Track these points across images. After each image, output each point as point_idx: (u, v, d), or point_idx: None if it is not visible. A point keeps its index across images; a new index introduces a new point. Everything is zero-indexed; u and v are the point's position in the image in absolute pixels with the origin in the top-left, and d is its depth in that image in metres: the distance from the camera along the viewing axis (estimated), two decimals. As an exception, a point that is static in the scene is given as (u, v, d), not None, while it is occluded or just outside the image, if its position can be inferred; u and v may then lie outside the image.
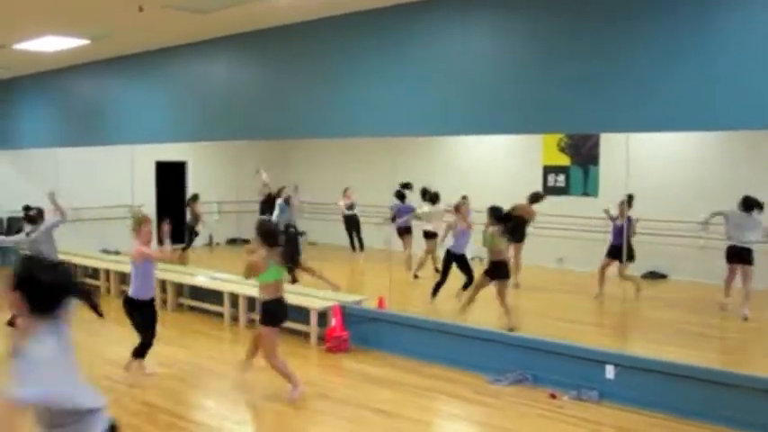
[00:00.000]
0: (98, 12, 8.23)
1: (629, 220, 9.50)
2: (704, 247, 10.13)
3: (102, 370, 7.42)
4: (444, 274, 9.81)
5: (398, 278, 10.40)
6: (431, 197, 11.35)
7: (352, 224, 13.12)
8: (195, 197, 13.67)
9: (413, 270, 11.42)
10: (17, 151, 14.51)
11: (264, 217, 11.19)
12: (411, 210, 11.67)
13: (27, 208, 9.55)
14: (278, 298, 6.61)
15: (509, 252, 9.50)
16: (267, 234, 6.67)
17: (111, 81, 11.97)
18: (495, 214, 8.67)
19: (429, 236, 11.29)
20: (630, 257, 9.56)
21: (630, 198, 9.45)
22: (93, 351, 8.21)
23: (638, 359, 6.54)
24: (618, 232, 9.65)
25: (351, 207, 13.06)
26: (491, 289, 8.67)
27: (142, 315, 7.10)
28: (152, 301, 7.22)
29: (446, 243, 10.10)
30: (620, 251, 9.35)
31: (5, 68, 12.80)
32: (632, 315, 7.89)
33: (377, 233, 12.35)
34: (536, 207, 10.73)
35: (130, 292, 7.11)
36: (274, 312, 6.59)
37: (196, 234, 13.66)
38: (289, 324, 8.99)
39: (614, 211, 9.81)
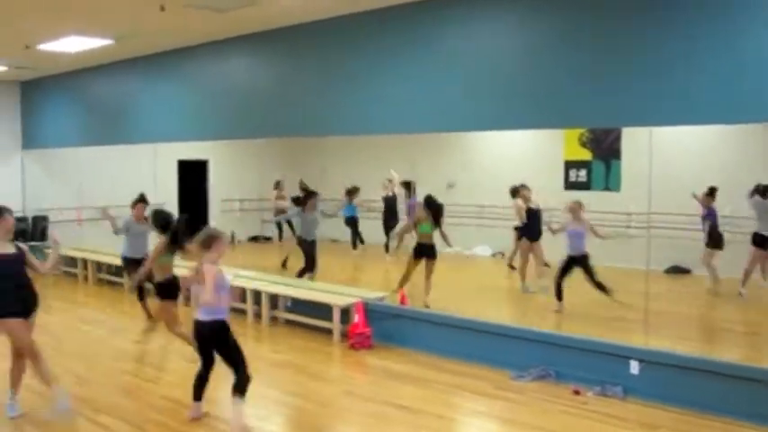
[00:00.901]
0: (121, 12, 8.32)
1: (713, 210, 10.02)
2: (729, 241, 10.04)
3: (126, 366, 7.51)
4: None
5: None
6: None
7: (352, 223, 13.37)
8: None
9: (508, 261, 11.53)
10: (41, 150, 14.68)
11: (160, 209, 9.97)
12: None
13: None
14: (174, 276, 7.65)
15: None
16: (162, 222, 7.72)
17: (133, 81, 12.07)
18: (426, 203, 9.63)
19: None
20: (717, 245, 9.96)
21: (713, 190, 10.02)
22: (114, 347, 8.30)
23: (662, 354, 6.50)
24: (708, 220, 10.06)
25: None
26: (508, 283, 8.68)
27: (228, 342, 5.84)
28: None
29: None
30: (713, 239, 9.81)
31: (30, 69, 12.95)
32: (655, 310, 7.83)
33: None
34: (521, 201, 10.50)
35: (201, 316, 5.74)
36: (173, 289, 7.61)
37: None
38: (312, 321, 9.07)
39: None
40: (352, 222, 13.23)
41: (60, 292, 10.06)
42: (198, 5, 7.93)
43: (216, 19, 8.63)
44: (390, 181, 12.72)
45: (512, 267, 11.18)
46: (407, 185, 11.92)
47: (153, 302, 8.67)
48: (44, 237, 13.92)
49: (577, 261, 9.03)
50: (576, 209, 9.16)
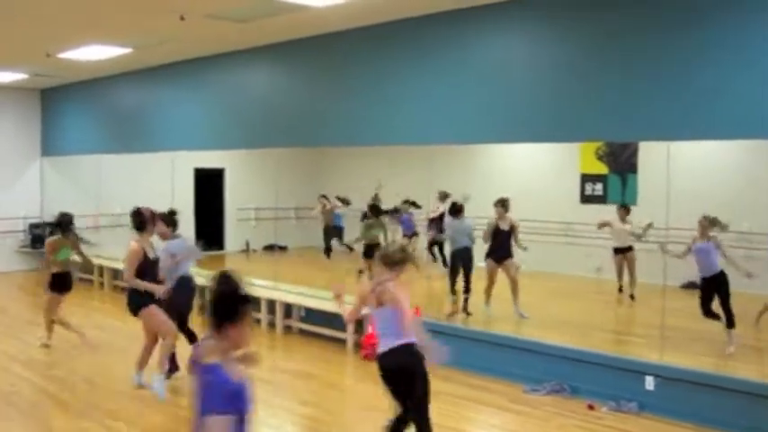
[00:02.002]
0: (141, 21, 8.39)
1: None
2: (748, 257, 9.94)
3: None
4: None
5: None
6: None
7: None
8: None
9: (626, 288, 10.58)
10: (60, 157, 14.81)
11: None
12: None
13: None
14: (68, 271, 8.54)
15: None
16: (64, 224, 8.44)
17: (153, 89, 12.17)
18: (374, 210, 10.60)
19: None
20: None
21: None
22: (128, 353, 8.34)
23: (678, 370, 6.44)
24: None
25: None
26: (527, 299, 8.62)
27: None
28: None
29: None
30: None
31: (50, 77, 13.08)
32: (672, 326, 7.78)
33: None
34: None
35: (382, 348, 5.08)
36: (64, 282, 8.50)
37: None
38: (325, 331, 9.07)
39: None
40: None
41: (76, 298, 10.14)
42: (217, 16, 7.99)
43: (235, 29, 8.69)
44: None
45: None
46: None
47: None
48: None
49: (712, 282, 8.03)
50: (704, 225, 8.10)
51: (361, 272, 11.21)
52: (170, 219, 7.54)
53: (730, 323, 7.79)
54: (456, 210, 9.85)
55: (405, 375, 4.88)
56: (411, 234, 11.96)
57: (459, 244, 9.73)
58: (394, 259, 4.99)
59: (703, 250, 8.03)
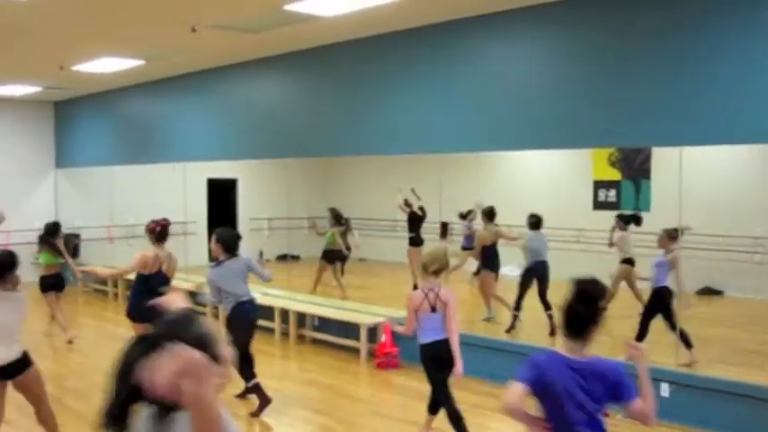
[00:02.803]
0: (153, 33, 8.46)
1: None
2: (761, 262, 9.89)
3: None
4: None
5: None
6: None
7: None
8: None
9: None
10: (74, 169, 14.91)
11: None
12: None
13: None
14: (51, 274, 9.49)
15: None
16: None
17: (164, 100, 12.25)
18: (335, 216, 11.36)
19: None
20: None
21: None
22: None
23: (694, 377, 6.41)
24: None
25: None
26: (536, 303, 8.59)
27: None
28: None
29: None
30: None
31: (64, 89, 13.19)
32: (687, 332, 7.73)
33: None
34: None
35: (427, 339, 5.67)
36: (45, 283, 9.42)
37: None
38: (338, 340, 9.07)
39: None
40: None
41: (90, 309, 10.19)
42: (227, 26, 8.05)
43: (247, 40, 8.74)
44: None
45: None
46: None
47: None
48: (76, 254, 14.09)
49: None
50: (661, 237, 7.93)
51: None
52: (227, 238, 6.78)
53: (683, 340, 7.28)
54: (535, 222, 9.54)
55: (441, 362, 5.57)
56: (471, 247, 11.22)
57: (538, 257, 9.46)
58: (439, 267, 5.47)
59: (657, 264, 7.82)
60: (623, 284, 9.41)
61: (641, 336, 7.60)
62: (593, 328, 3.32)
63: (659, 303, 7.66)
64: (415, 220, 11.40)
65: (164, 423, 1.89)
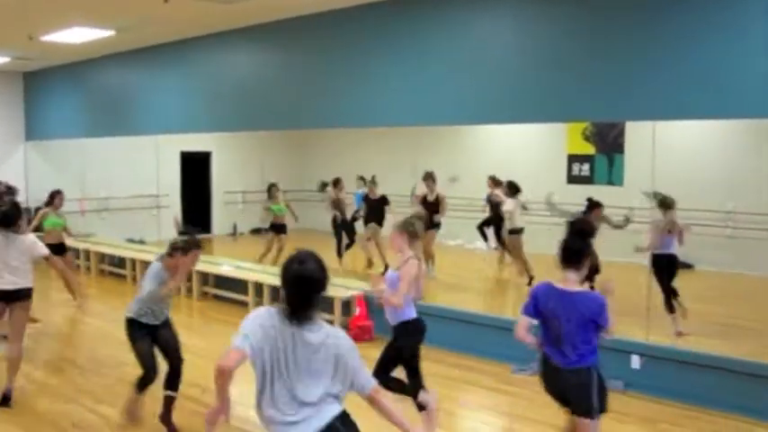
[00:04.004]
0: (124, 2, 8.30)
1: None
2: (732, 236, 10.01)
3: (127, 357, 7.51)
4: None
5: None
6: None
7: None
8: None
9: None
10: (44, 142, 14.68)
11: None
12: None
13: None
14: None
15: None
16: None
17: (136, 72, 12.06)
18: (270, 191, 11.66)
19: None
20: None
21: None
22: (115, 338, 8.29)
23: (664, 349, 6.50)
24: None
25: None
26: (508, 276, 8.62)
27: None
28: None
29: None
30: None
31: (33, 60, 12.94)
32: (657, 305, 7.82)
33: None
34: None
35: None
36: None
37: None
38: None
39: None
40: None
41: (62, 283, 10.10)
42: (201, -4, 7.93)
43: (219, 10, 8.61)
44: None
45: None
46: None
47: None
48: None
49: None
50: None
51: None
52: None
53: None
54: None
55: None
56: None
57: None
58: (417, 231, 5.28)
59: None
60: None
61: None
62: (585, 258, 4.20)
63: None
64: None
65: None
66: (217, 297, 10.67)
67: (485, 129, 11.75)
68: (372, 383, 3.26)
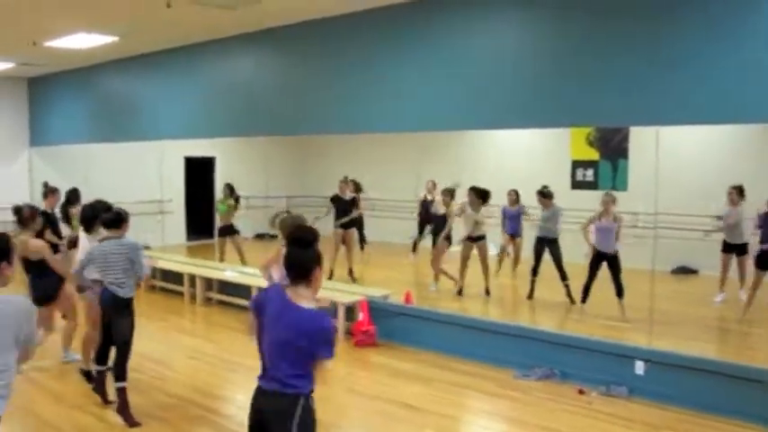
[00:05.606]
0: (127, 8, 8.32)
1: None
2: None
3: (131, 363, 7.51)
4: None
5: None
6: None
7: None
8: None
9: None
10: (49, 147, 14.71)
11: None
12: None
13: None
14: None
15: None
16: None
17: (141, 78, 12.08)
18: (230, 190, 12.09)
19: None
20: None
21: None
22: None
23: (668, 355, 6.47)
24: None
25: None
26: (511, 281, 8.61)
27: None
28: None
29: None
30: None
31: (37, 65, 12.97)
32: (661, 311, 7.81)
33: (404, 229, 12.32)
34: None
35: None
36: None
37: None
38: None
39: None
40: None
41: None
42: (205, 3, 7.93)
43: (223, 16, 8.63)
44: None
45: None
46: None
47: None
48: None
49: (606, 258, 8.80)
50: (608, 202, 8.96)
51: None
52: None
53: (620, 294, 8.56)
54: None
55: None
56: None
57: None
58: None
59: (605, 229, 8.79)
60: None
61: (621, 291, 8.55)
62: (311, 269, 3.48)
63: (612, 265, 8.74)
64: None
65: None
66: (220, 302, 10.67)
67: (489, 134, 11.73)
68: None
